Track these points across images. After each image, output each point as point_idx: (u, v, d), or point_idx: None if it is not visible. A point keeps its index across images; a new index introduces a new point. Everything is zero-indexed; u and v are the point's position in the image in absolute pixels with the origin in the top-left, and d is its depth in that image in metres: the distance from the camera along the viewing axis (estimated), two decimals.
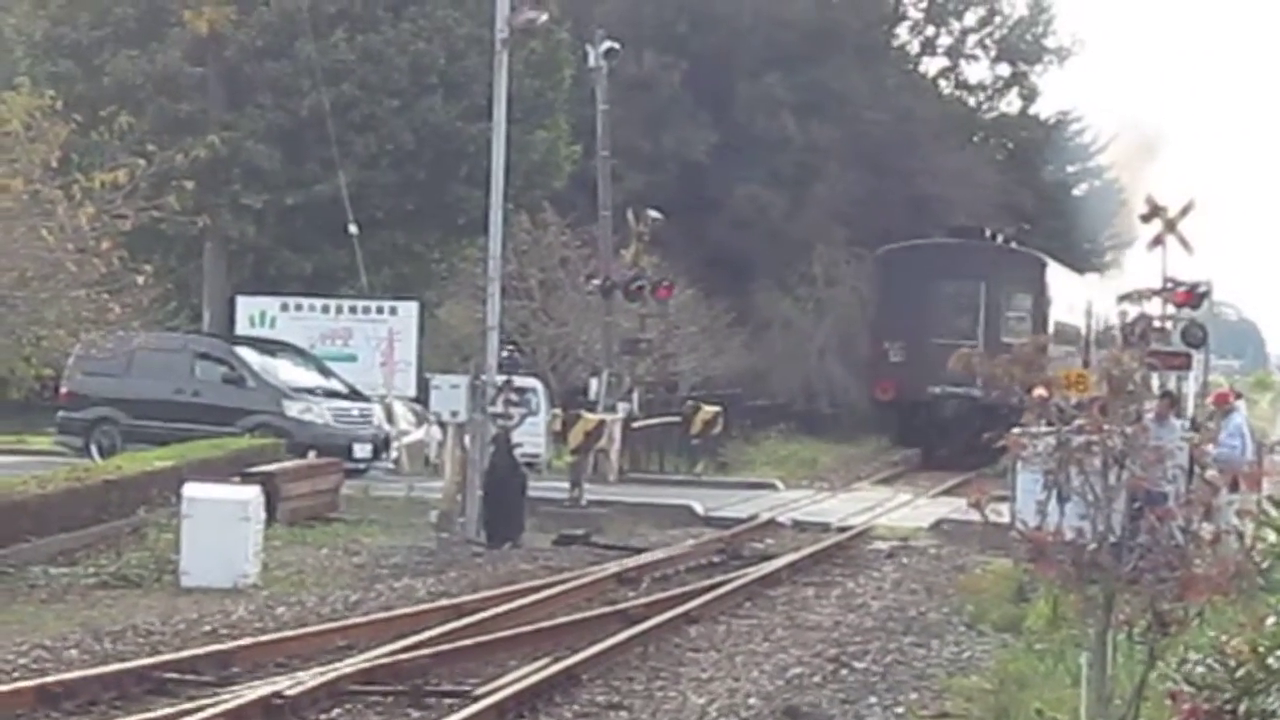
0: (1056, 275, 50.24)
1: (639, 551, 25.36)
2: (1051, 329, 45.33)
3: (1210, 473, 10.77)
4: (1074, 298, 52.29)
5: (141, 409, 33.48)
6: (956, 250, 48.27)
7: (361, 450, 33.27)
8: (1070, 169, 72.73)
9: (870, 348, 49.08)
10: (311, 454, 30.34)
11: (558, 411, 34.23)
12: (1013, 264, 48.68)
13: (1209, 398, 31.42)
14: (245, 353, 34.94)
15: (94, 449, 33.47)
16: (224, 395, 33.63)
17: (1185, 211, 30.90)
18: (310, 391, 34.07)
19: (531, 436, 32.90)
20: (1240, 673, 9.31)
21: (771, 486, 36.77)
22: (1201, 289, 31.86)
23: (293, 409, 33.23)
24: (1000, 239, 50.39)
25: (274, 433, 31.44)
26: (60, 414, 34.82)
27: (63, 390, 33.17)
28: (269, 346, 36.00)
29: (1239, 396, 30.87)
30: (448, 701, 14.73)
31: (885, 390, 46.95)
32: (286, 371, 34.80)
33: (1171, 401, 23.48)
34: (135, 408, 33.61)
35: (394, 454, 34.91)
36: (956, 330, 43.68)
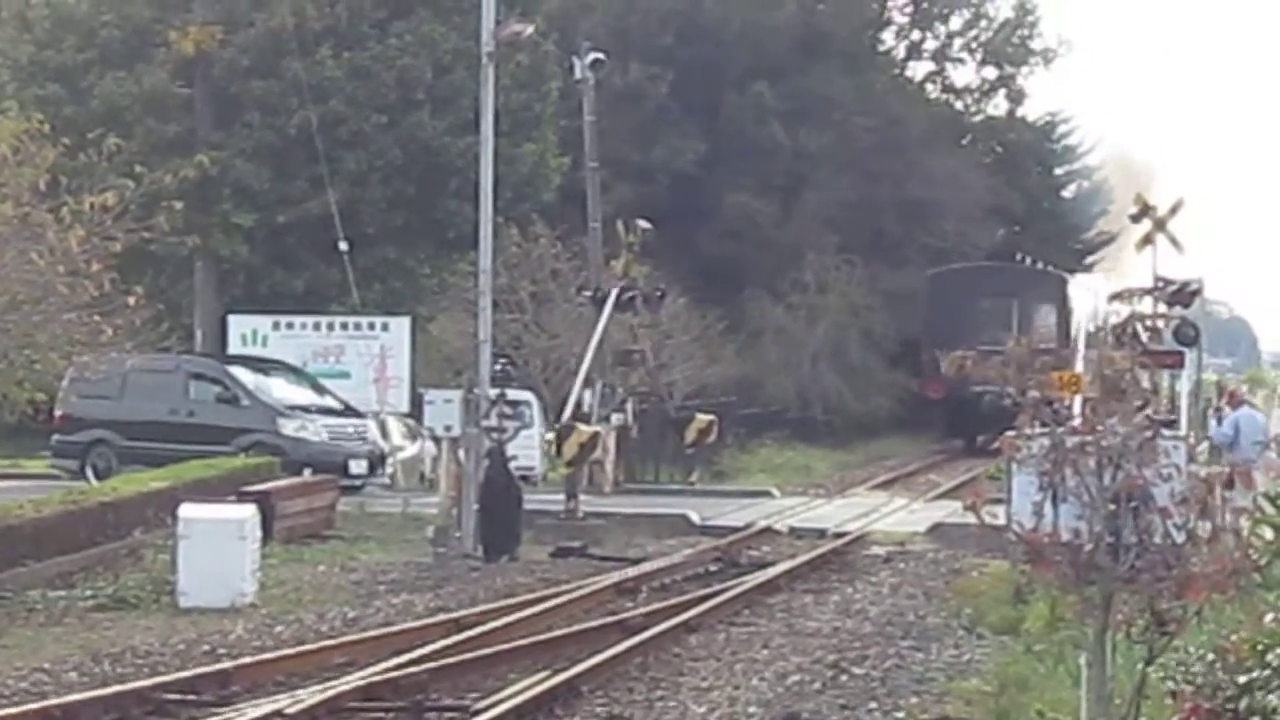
0: (1077, 289, 58.84)
1: (636, 562, 25.36)
2: (1073, 334, 54.23)
3: (1204, 470, 10.75)
4: (1092, 307, 56.02)
5: (136, 430, 33.46)
6: (994, 272, 57.26)
7: (357, 467, 33.22)
8: (1059, 170, 72.84)
9: (922, 354, 55.34)
10: (307, 472, 30.37)
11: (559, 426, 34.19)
12: (1040, 282, 57.71)
13: (1221, 398, 31.83)
14: (239, 372, 34.92)
15: (89, 471, 33.43)
16: (218, 415, 33.61)
17: (1175, 210, 30.88)
18: (304, 409, 34.03)
19: (526, 449, 32.89)
20: (1241, 672, 9.31)
21: (767, 494, 36.75)
22: (1193, 287, 31.81)
23: (287, 427, 33.21)
24: (1029, 261, 59.21)
25: (269, 451, 31.44)
26: (55, 437, 34.79)
27: (57, 413, 33.16)
28: (262, 365, 35.97)
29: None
30: (448, 716, 14.75)
31: (936, 390, 52.44)
32: (280, 390, 34.78)
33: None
34: (130, 429, 33.58)
35: (389, 470, 34.87)
36: (995, 339, 46.60)
